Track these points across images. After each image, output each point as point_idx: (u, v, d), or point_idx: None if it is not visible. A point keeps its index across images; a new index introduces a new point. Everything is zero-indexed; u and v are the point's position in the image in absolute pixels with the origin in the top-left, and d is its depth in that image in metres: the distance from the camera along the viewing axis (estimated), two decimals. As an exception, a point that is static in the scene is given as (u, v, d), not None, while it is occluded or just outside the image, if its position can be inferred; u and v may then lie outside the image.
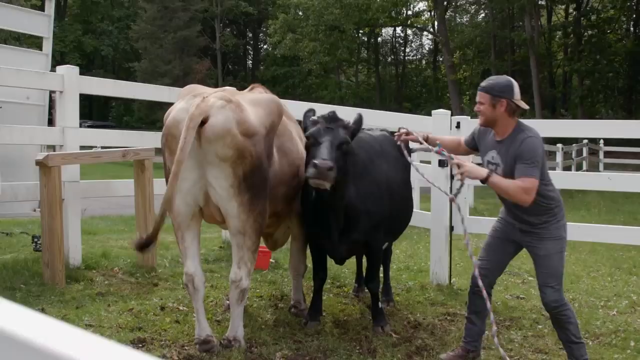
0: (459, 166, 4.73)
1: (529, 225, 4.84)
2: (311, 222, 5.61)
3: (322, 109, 9.99)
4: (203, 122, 4.50)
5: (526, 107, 4.75)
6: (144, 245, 4.70)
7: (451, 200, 4.94)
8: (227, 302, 5.97)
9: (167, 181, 4.84)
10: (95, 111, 57.78)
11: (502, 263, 5.15)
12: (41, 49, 9.02)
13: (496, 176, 4.68)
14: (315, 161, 4.72)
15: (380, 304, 5.89)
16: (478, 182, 4.93)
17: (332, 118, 5.16)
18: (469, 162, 4.92)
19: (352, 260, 6.59)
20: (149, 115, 45.40)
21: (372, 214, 5.43)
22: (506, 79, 4.78)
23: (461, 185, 5.06)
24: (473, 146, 5.18)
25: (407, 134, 5.29)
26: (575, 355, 4.87)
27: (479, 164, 4.93)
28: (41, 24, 8.84)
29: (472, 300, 5.14)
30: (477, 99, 4.77)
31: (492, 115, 4.70)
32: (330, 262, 6.01)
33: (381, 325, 5.73)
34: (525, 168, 4.54)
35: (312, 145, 5.04)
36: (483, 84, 4.76)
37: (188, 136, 4.41)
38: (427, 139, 5.23)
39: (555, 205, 4.81)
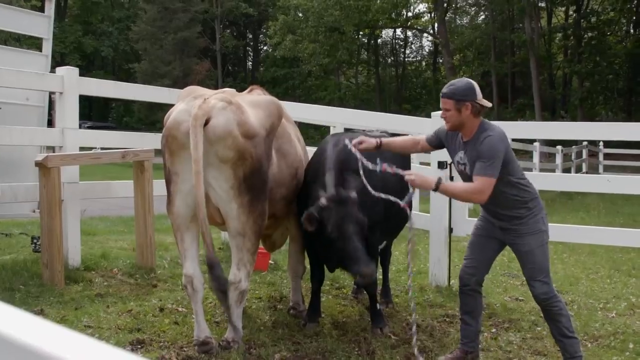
0: (410, 178, 4.83)
1: (506, 221, 4.87)
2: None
3: (321, 111, 10.00)
4: (205, 123, 4.51)
5: (489, 104, 4.76)
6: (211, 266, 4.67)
7: (402, 207, 4.92)
8: (226, 303, 5.99)
9: (167, 182, 4.85)
10: (95, 112, 57.79)
11: (488, 260, 5.19)
12: (41, 50, 9.02)
13: (444, 184, 4.79)
14: (359, 270, 4.81)
15: (378, 306, 5.89)
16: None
17: (339, 197, 5.08)
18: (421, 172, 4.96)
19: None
20: (148, 117, 45.41)
21: (369, 219, 5.40)
22: (466, 82, 4.78)
23: (412, 193, 5.03)
24: (436, 145, 5.17)
25: (361, 142, 5.19)
26: (569, 352, 4.88)
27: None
28: (41, 25, 8.84)
29: (462, 300, 5.17)
30: (442, 105, 4.78)
31: (458, 119, 4.73)
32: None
33: (380, 327, 5.73)
34: (481, 167, 4.59)
35: (337, 239, 4.96)
36: (445, 90, 4.75)
37: (197, 135, 4.43)
38: (380, 145, 5.18)
39: (530, 199, 4.83)
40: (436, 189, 4.74)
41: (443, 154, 7.40)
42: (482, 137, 4.66)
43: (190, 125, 4.46)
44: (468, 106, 4.66)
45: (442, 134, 5.05)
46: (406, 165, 6.25)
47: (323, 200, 4.98)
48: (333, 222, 4.93)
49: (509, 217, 4.84)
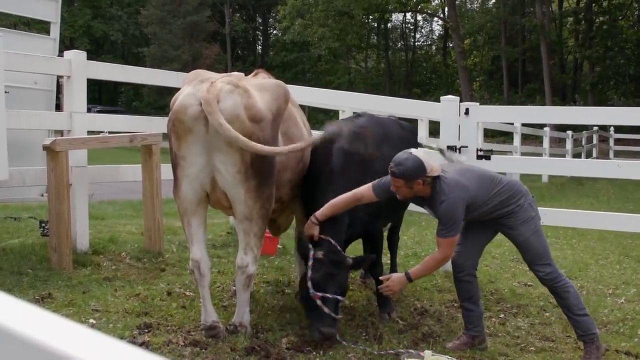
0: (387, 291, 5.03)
1: (495, 220, 4.99)
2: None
3: (330, 95, 9.95)
4: None
5: (438, 172, 4.74)
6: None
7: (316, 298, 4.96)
8: (234, 287, 5.98)
9: (173, 166, 4.84)
10: (105, 96, 57.84)
11: (482, 246, 5.31)
12: (49, 34, 9.00)
13: (413, 272, 4.92)
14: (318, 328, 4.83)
15: None
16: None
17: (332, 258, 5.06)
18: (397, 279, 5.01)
19: (358, 247, 6.56)
20: (158, 101, 45.42)
21: (372, 209, 5.41)
22: (413, 161, 4.65)
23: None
24: (385, 197, 5.08)
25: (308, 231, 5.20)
26: (582, 328, 4.94)
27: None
28: (49, 8, 8.80)
29: (460, 287, 5.23)
30: (392, 182, 4.79)
31: (410, 192, 4.80)
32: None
33: (387, 312, 5.73)
34: (442, 230, 4.76)
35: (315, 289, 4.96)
36: (393, 169, 4.68)
37: (220, 119, 4.41)
38: (318, 221, 5.13)
39: (512, 195, 4.93)
40: (411, 280, 4.96)
41: (453, 139, 7.38)
42: (438, 198, 4.73)
43: (207, 112, 4.42)
44: (419, 182, 4.71)
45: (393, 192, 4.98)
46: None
47: (320, 254, 5.00)
48: (320, 275, 4.96)
49: (496, 218, 4.96)
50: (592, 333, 4.95)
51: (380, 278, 5.10)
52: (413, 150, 4.78)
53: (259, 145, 4.52)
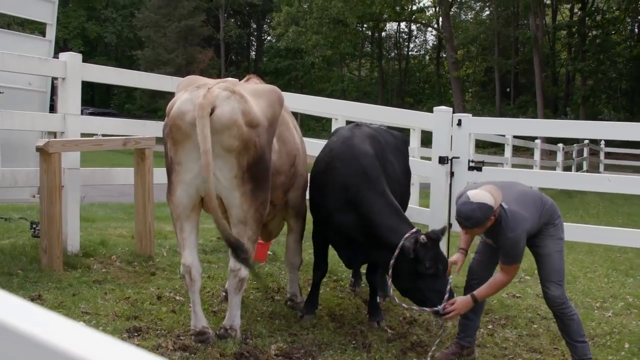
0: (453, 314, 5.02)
1: (533, 235, 4.95)
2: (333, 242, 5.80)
3: (323, 103, 9.99)
4: (209, 113, 4.51)
5: (500, 201, 4.71)
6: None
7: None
8: (224, 293, 5.99)
9: (168, 172, 4.85)
10: (97, 98, 57.72)
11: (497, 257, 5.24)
12: (44, 35, 8.99)
13: (478, 292, 4.95)
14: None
15: (378, 299, 5.92)
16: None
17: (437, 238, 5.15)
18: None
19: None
20: (150, 104, 45.47)
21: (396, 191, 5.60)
22: (480, 208, 4.60)
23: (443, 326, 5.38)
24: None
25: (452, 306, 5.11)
26: (578, 354, 4.95)
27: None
28: (45, 10, 8.80)
29: (467, 294, 5.16)
30: (465, 232, 4.94)
31: (484, 229, 4.78)
32: (331, 255, 6.04)
33: (377, 320, 5.75)
34: (508, 260, 4.80)
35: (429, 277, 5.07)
36: (466, 224, 4.68)
37: (205, 126, 4.42)
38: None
39: (552, 218, 4.99)
40: (476, 302, 4.98)
41: (445, 150, 7.42)
42: (504, 234, 4.71)
43: (197, 116, 4.45)
44: (491, 219, 4.68)
45: None
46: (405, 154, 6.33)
47: (423, 237, 5.01)
48: (428, 259, 5.02)
49: (532, 235, 4.94)
50: (587, 358, 4.97)
51: (446, 305, 4.99)
52: (471, 194, 4.66)
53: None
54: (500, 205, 4.68)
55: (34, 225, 7.15)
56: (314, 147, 7.49)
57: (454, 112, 7.65)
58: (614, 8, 43.19)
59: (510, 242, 4.70)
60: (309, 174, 5.94)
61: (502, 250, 4.80)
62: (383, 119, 8.60)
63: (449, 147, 7.45)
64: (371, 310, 5.86)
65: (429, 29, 58.83)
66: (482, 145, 28.91)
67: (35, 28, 27.16)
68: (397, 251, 5.04)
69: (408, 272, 5.06)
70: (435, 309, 4.96)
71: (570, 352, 5.05)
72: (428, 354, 5.07)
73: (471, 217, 4.59)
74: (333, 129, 9.72)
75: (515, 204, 4.75)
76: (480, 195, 4.62)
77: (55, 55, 7.60)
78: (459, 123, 7.44)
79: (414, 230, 5.16)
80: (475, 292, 4.94)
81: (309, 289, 6.09)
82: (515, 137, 18.28)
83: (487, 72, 53.51)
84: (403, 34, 61.36)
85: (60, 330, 0.92)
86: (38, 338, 0.88)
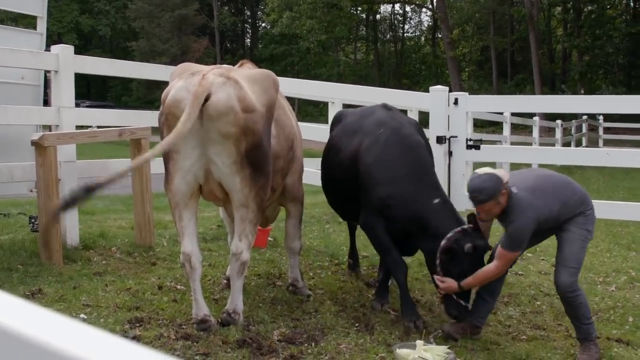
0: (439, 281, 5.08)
1: (561, 223, 4.91)
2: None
3: (320, 87, 9.95)
4: (205, 100, 4.48)
5: (506, 178, 4.70)
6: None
7: None
8: (225, 280, 5.98)
9: (165, 160, 4.82)
10: (94, 91, 57.60)
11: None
12: (36, 29, 8.94)
13: (465, 282, 4.96)
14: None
15: (390, 281, 5.91)
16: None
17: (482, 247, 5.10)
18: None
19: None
20: (147, 95, 45.39)
21: None
22: (489, 179, 4.64)
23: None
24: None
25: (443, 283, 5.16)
26: (583, 333, 4.91)
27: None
28: (36, 3, 8.75)
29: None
30: (481, 212, 4.80)
31: (500, 207, 4.73)
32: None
33: (382, 303, 5.73)
34: (507, 244, 4.76)
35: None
36: (479, 198, 4.67)
37: (192, 112, 4.40)
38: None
39: (582, 207, 4.90)
40: (461, 289, 4.99)
41: (442, 130, 7.39)
42: (508, 216, 4.72)
43: (189, 101, 4.42)
44: (504, 193, 4.66)
45: None
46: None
47: (469, 246, 4.92)
48: (465, 268, 4.98)
49: (560, 224, 4.90)
50: (592, 338, 4.93)
51: (436, 278, 5.08)
52: (478, 170, 4.75)
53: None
54: (510, 189, 4.68)
55: (33, 220, 7.13)
56: (313, 132, 7.46)
57: (450, 92, 7.62)
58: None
59: (512, 226, 4.69)
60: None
61: (506, 233, 4.78)
62: (380, 100, 8.54)
63: (447, 127, 7.41)
64: (379, 291, 5.85)
65: (424, 9, 58.70)
66: (481, 125, 28.86)
67: (29, 23, 27.06)
68: (441, 246, 5.03)
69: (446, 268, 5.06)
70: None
71: (575, 330, 5.02)
72: (431, 335, 5.05)
73: (483, 187, 4.59)
74: (330, 113, 9.69)
75: (529, 191, 4.73)
76: (487, 169, 4.68)
77: (48, 49, 7.56)
78: (456, 102, 7.41)
79: (459, 228, 5.07)
80: (462, 282, 4.96)
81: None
82: (513, 114, 18.23)
83: (483, 51, 53.37)
84: (398, 16, 61.21)
85: (51, 327, 0.89)
86: (29, 336, 0.85)
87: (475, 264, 5.00)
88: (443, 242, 4.98)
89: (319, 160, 9.38)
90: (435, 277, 5.11)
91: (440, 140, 7.31)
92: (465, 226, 5.09)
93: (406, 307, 5.39)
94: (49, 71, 7.08)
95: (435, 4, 50.27)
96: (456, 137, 7.34)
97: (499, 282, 5.22)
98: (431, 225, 5.13)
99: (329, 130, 6.85)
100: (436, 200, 5.20)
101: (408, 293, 5.47)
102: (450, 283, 5.00)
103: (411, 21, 63.20)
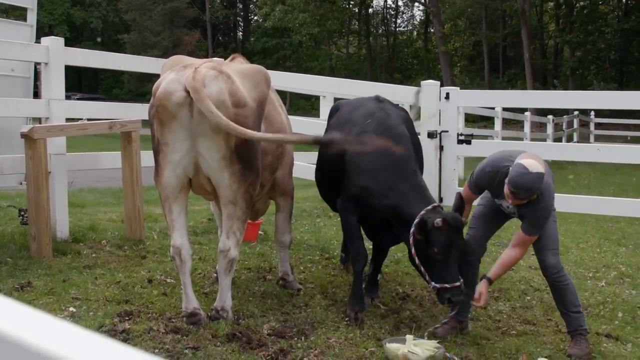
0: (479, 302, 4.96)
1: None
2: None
3: (312, 81, 9.93)
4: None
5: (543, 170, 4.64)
6: None
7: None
8: (215, 274, 5.96)
9: (155, 153, 4.80)
10: (85, 83, 57.39)
11: (494, 231, 5.34)
12: (26, 20, 8.89)
13: (492, 273, 4.93)
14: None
15: (379, 276, 5.94)
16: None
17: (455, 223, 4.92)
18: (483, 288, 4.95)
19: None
20: (138, 88, 45.20)
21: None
22: (538, 176, 4.51)
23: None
24: (479, 192, 5.17)
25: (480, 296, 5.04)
26: (573, 324, 4.94)
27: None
28: (25, -6, 8.71)
29: (467, 271, 5.14)
30: (514, 201, 4.69)
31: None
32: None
33: (372, 297, 5.74)
34: (531, 229, 4.77)
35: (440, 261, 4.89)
36: (522, 195, 4.54)
37: (209, 106, 4.38)
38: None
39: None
40: (491, 283, 4.99)
41: (433, 124, 7.38)
42: (537, 203, 4.67)
43: (196, 100, 4.39)
44: None
45: (484, 183, 4.99)
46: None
47: (438, 221, 4.78)
48: (441, 245, 4.82)
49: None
50: (582, 329, 4.96)
51: (474, 304, 5.00)
52: (527, 164, 4.53)
53: (251, 131, 4.51)
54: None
55: (22, 213, 7.10)
56: (305, 125, 7.44)
57: (442, 87, 7.62)
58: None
59: (542, 212, 4.71)
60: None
61: (531, 220, 4.75)
62: (372, 94, 8.54)
63: (438, 121, 7.42)
64: (369, 286, 5.84)
65: (416, 3, 58.65)
66: (472, 119, 28.93)
67: (20, 14, 26.91)
68: (412, 228, 4.92)
69: (420, 252, 4.95)
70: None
71: (565, 322, 5.04)
72: (425, 333, 5.04)
73: (532, 188, 4.52)
74: (321, 107, 9.68)
75: (549, 177, 4.77)
76: (534, 165, 4.53)
77: (38, 41, 7.51)
78: (447, 96, 7.41)
79: (429, 207, 4.99)
80: (488, 275, 4.92)
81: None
82: (504, 109, 18.28)
83: (475, 46, 53.42)
84: (390, 10, 61.19)
85: (34, 325, 0.88)
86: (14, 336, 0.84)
87: (452, 240, 4.84)
88: (415, 221, 4.91)
89: (309, 154, 9.44)
90: (473, 304, 5.05)
91: (431, 135, 7.30)
92: (436, 204, 5.08)
93: (354, 296, 5.40)
94: (39, 63, 7.04)
95: (427, -2, 50.29)
96: (447, 131, 7.34)
97: (477, 273, 5.25)
98: (405, 212, 5.08)
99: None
100: (408, 188, 5.16)
101: (361, 284, 5.49)
102: (481, 289, 4.90)
103: (403, 15, 63.26)
